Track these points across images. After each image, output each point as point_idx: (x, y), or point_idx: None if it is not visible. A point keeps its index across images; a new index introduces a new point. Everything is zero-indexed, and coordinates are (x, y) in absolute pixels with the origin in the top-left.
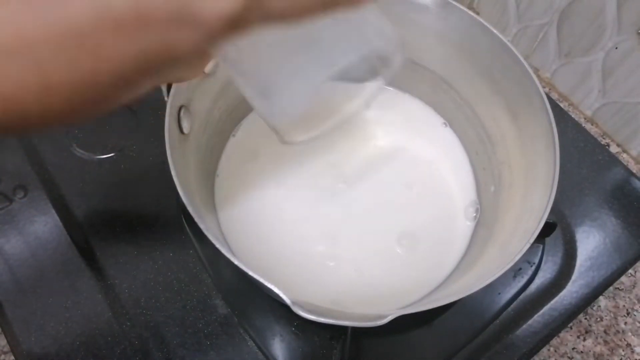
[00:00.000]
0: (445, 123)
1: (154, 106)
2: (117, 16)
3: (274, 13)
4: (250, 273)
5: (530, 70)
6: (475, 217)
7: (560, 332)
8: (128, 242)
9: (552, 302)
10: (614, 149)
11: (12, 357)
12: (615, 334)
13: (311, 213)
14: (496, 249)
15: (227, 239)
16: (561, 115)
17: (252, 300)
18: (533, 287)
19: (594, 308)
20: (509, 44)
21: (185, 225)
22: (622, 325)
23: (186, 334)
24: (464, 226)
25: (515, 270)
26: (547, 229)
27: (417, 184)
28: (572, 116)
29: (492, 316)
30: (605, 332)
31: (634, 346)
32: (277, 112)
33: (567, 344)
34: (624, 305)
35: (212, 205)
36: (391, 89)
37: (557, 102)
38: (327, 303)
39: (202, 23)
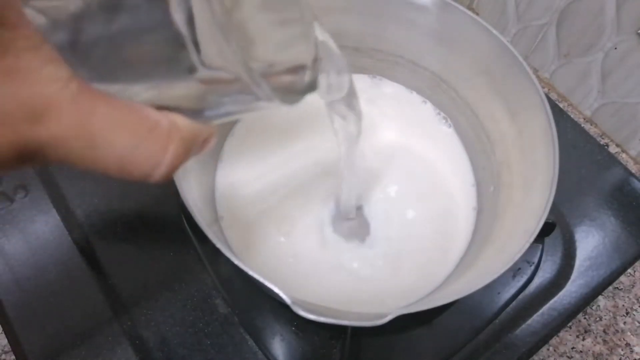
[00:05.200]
0: (445, 117)
1: None
2: None
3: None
4: (250, 273)
5: (530, 71)
6: (475, 217)
7: (559, 331)
8: (129, 241)
9: (552, 301)
10: (613, 149)
11: (13, 357)
12: (614, 334)
13: (311, 212)
14: (495, 249)
15: (227, 238)
16: (560, 115)
17: (253, 300)
18: (532, 286)
19: (593, 308)
20: (508, 44)
21: (186, 224)
22: (622, 325)
23: (186, 333)
24: (464, 226)
25: (514, 270)
26: (547, 229)
27: (417, 183)
28: (571, 116)
29: (492, 316)
30: (604, 331)
31: (633, 346)
32: None
33: (566, 344)
34: (623, 305)
35: (212, 204)
36: (392, 84)
37: (557, 102)
38: (327, 302)
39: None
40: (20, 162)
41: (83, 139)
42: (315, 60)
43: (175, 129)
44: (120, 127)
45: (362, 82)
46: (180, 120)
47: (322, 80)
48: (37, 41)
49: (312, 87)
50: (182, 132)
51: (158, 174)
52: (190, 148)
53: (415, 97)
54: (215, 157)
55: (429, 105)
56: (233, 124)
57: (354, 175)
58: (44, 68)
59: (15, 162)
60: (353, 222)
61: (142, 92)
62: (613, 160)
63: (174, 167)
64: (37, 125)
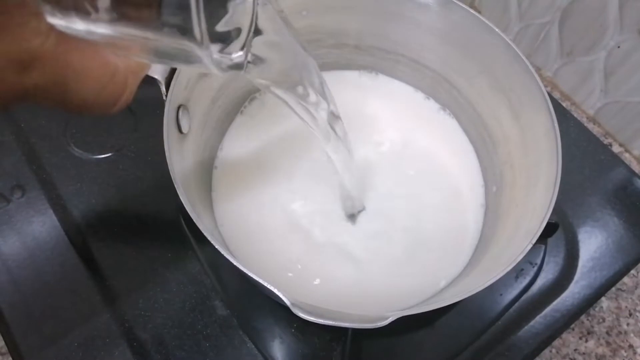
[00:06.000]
0: (447, 111)
1: (153, 106)
2: None
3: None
4: (250, 274)
5: (532, 69)
6: (483, 218)
7: (562, 333)
8: (126, 242)
9: (554, 303)
10: (616, 148)
11: (10, 359)
12: (617, 335)
13: (311, 212)
14: (498, 250)
15: (226, 239)
16: (563, 115)
17: (252, 302)
18: (535, 288)
19: (596, 309)
20: (510, 42)
21: (184, 225)
22: (625, 327)
23: (185, 335)
24: (471, 229)
25: (517, 271)
26: (550, 229)
27: (422, 184)
28: (575, 115)
29: (494, 317)
30: (607, 333)
31: (636, 347)
32: None
33: (569, 345)
34: (626, 307)
35: (211, 205)
36: (396, 81)
37: (559, 101)
38: (328, 304)
39: None
40: (3, 106)
41: (58, 87)
42: (244, 46)
43: (131, 73)
44: (88, 76)
45: (366, 79)
46: (133, 63)
47: (256, 68)
48: None
49: (238, 67)
50: (135, 74)
51: (113, 110)
52: (138, 83)
53: (419, 94)
54: (215, 156)
55: (431, 101)
56: (232, 119)
57: (349, 173)
58: (29, 23)
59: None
60: (357, 221)
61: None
62: (616, 159)
63: (127, 103)
64: (23, 76)
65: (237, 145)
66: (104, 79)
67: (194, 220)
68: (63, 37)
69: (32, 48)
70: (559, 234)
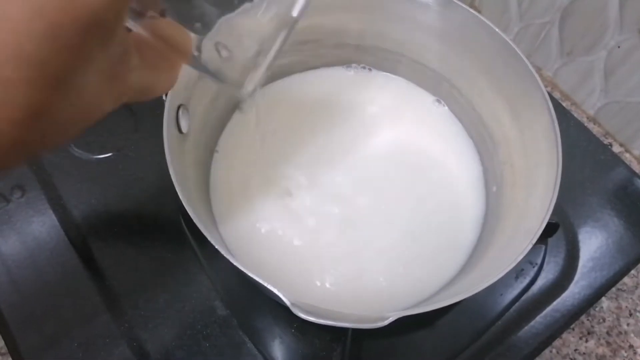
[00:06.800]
0: (452, 114)
1: (152, 106)
2: None
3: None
4: (249, 274)
5: (532, 69)
6: (483, 218)
7: (562, 333)
8: (126, 242)
9: (555, 303)
10: (616, 148)
11: (10, 359)
12: (617, 335)
13: (311, 212)
14: (498, 250)
15: (225, 239)
16: (563, 115)
17: (252, 302)
18: (535, 288)
19: (597, 309)
20: (511, 42)
21: (184, 225)
22: (625, 327)
23: (185, 335)
24: (471, 229)
25: (517, 271)
26: (550, 230)
27: (422, 183)
28: (575, 115)
29: (494, 317)
30: (607, 333)
31: (637, 347)
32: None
33: (569, 346)
34: (626, 307)
35: (210, 205)
36: (400, 78)
37: (559, 101)
38: (328, 304)
39: None
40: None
41: (134, 98)
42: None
43: (177, 71)
44: (158, 81)
45: (361, 75)
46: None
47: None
48: (125, 40)
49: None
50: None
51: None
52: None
53: (417, 90)
54: (210, 166)
55: (430, 96)
56: (230, 117)
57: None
58: (130, 63)
59: None
60: (355, 220)
61: None
62: (617, 159)
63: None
64: (118, 102)
65: (234, 144)
66: (167, 77)
67: (194, 221)
68: (142, 58)
69: (129, 82)
70: (559, 234)
